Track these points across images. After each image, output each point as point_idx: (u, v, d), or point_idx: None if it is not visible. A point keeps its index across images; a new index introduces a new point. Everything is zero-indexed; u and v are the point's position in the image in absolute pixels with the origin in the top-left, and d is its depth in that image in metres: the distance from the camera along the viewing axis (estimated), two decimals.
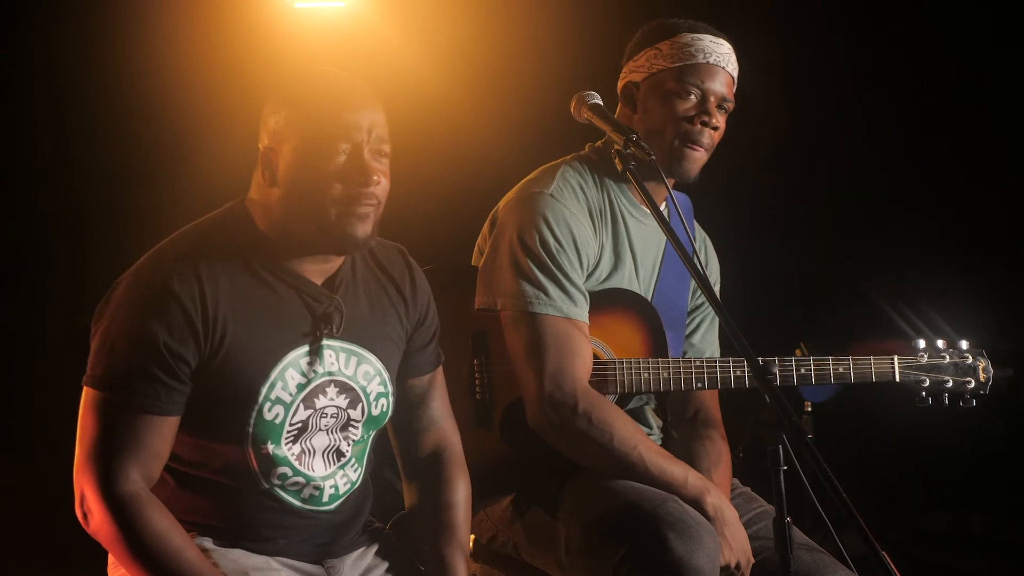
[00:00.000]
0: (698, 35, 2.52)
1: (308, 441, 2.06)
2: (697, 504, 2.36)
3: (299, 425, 2.04)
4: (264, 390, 1.99)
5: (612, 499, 2.33)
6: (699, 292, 2.69)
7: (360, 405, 2.11)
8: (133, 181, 3.94)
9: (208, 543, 2.03)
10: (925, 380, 2.73)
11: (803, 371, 2.54)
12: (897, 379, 2.70)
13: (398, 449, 2.28)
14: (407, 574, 2.19)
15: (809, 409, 3.74)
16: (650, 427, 2.63)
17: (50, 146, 4.32)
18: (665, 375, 2.50)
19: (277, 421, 2.01)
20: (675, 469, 2.41)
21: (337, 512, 2.12)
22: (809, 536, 2.52)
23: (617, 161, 2.20)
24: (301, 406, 2.04)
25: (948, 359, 2.76)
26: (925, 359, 2.74)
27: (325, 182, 1.97)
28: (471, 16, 4.37)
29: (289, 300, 2.03)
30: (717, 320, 2.72)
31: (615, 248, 2.55)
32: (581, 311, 2.44)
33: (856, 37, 4.74)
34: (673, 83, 2.51)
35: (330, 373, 2.06)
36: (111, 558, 2.07)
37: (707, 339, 2.71)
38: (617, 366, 2.49)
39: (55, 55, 4.25)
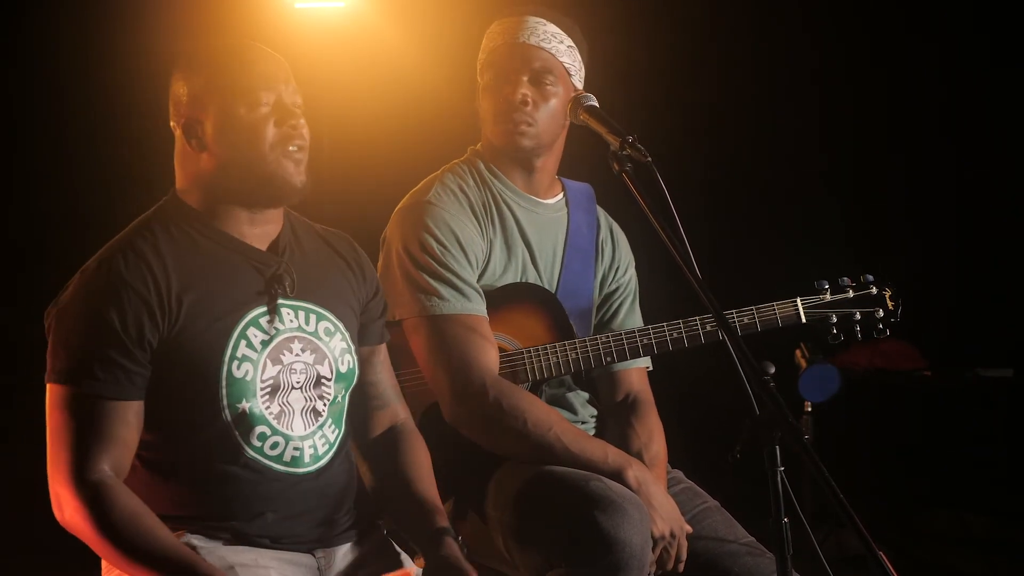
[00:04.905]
0: (503, 20, 2.60)
1: (285, 399, 2.09)
2: (619, 478, 2.38)
3: (271, 382, 2.07)
4: (229, 349, 2.03)
5: (535, 485, 2.36)
6: (610, 278, 2.73)
7: (327, 361, 2.14)
8: (132, 181, 3.94)
9: (196, 540, 2.04)
10: (832, 316, 2.71)
11: (708, 328, 2.56)
12: (803, 320, 2.69)
13: (353, 430, 2.28)
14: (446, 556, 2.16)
15: (809, 409, 3.74)
16: (578, 415, 2.65)
17: (50, 146, 4.32)
18: (574, 356, 2.53)
19: (248, 378, 2.04)
20: (593, 447, 2.43)
21: (320, 478, 2.13)
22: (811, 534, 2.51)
23: (614, 164, 2.20)
24: (268, 362, 2.07)
25: (852, 293, 2.73)
26: (828, 296, 2.71)
27: (258, 129, 2.05)
28: (471, 16, 4.36)
29: (238, 265, 2.08)
30: (636, 302, 2.76)
31: (505, 240, 2.58)
32: (477, 306, 2.47)
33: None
34: (485, 75, 2.60)
35: (291, 330, 2.10)
36: (104, 563, 2.08)
37: (628, 322, 2.73)
38: (525, 355, 2.52)
39: (55, 55, 4.25)
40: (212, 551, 2.03)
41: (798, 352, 2.73)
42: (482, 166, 2.62)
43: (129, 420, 1.98)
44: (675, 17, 4.66)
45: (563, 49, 2.57)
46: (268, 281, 2.09)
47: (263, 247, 2.12)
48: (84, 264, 2.05)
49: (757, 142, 4.86)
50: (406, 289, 2.47)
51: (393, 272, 2.51)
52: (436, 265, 2.46)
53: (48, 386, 2.00)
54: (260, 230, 2.12)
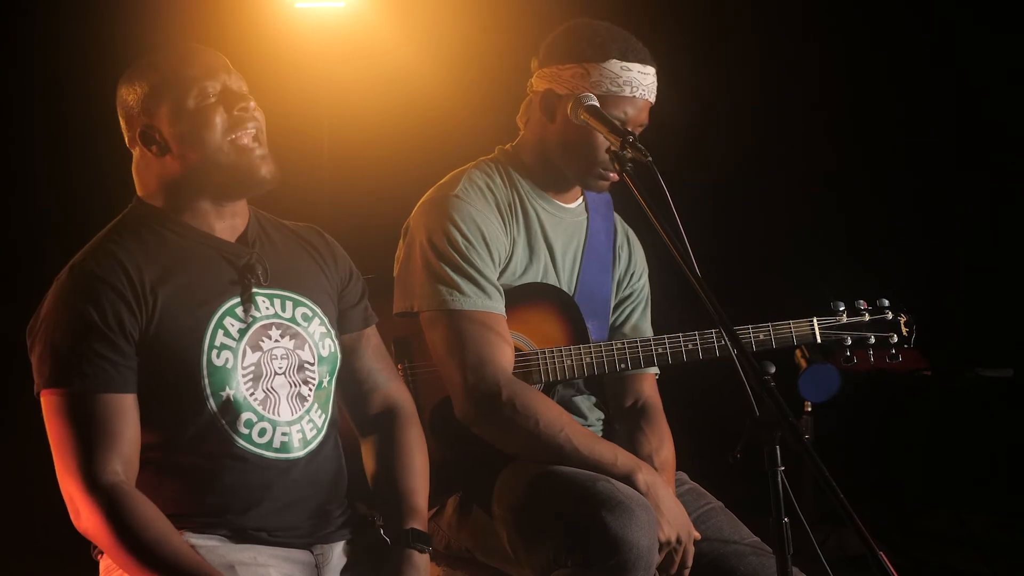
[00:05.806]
0: (627, 64, 2.50)
1: (269, 385, 2.10)
2: (628, 481, 2.38)
3: (252, 368, 2.08)
4: (208, 339, 2.05)
5: (544, 485, 2.36)
6: (625, 283, 2.74)
7: (307, 346, 2.16)
8: (132, 181, 3.93)
9: (195, 539, 2.04)
10: (847, 339, 2.74)
11: (723, 342, 2.52)
12: (819, 340, 2.71)
13: (350, 414, 2.33)
14: (394, 568, 2.18)
15: (809, 410, 3.74)
16: (587, 419, 2.65)
17: (49, 146, 4.32)
18: (588, 360, 2.54)
19: (229, 366, 2.06)
20: (604, 449, 2.43)
21: (310, 464, 2.14)
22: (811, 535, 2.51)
23: (615, 163, 2.20)
24: (248, 349, 2.08)
25: (868, 317, 2.76)
26: (844, 318, 2.74)
27: (209, 118, 2.07)
28: (471, 16, 4.37)
29: (210, 258, 2.11)
30: (648, 308, 2.77)
31: (528, 241, 2.58)
32: (497, 304, 2.47)
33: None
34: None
35: (268, 317, 2.12)
36: (102, 565, 2.09)
37: (639, 327, 2.74)
38: (540, 356, 2.53)
39: (55, 55, 4.25)
40: (212, 550, 2.04)
41: (798, 352, 2.73)
42: (510, 166, 2.62)
43: (126, 413, 1.99)
44: (679, 18, 4.66)
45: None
46: (240, 271, 2.12)
47: (232, 240, 2.15)
48: (56, 278, 2.06)
49: (761, 146, 4.86)
50: (427, 281, 2.47)
51: (415, 263, 2.50)
52: (459, 259, 2.46)
53: (42, 396, 2.01)
54: (227, 223, 2.15)
